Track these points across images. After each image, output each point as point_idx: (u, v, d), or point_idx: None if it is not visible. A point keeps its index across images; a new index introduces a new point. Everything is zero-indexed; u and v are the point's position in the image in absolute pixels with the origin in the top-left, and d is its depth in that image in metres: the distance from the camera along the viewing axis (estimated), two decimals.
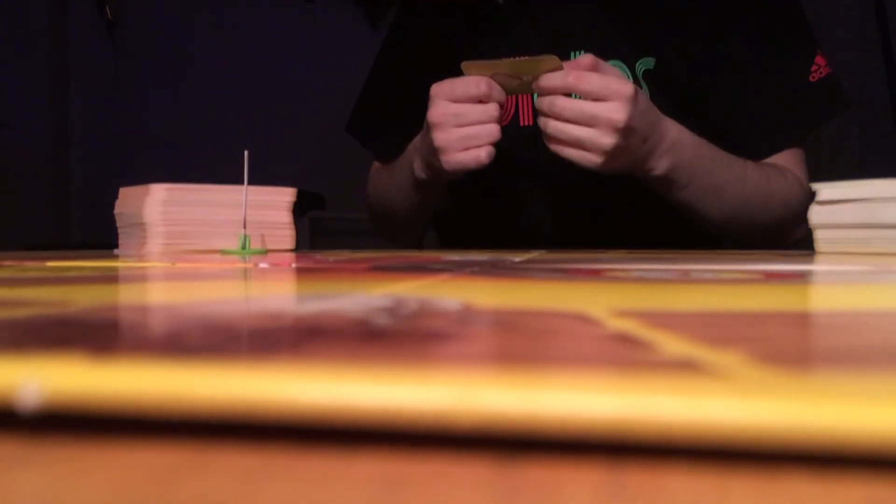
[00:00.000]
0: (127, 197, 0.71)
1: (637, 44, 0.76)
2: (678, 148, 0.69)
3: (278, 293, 0.25)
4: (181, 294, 0.24)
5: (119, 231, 0.72)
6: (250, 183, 0.66)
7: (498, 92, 0.67)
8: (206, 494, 0.08)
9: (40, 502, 0.08)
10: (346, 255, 0.54)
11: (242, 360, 0.10)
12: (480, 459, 0.08)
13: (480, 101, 0.67)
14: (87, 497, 0.08)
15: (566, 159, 0.65)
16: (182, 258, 0.50)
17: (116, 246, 0.73)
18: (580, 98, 0.64)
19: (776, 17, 0.77)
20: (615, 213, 0.79)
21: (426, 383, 0.09)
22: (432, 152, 0.69)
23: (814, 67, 0.76)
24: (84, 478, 0.08)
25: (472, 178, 0.70)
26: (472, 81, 0.66)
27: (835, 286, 0.29)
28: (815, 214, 0.59)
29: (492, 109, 0.66)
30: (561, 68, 0.64)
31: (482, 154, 0.67)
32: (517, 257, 0.48)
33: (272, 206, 0.70)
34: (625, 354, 0.11)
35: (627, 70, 0.76)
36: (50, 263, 0.41)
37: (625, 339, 0.12)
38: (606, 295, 0.22)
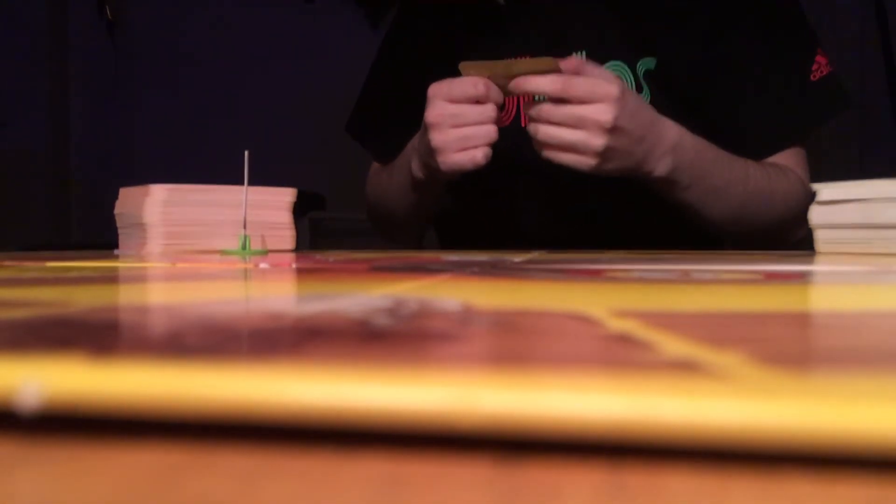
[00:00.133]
0: (127, 197, 0.71)
1: (637, 44, 0.76)
2: (679, 149, 0.69)
3: (278, 294, 0.25)
4: (181, 294, 0.24)
5: (119, 231, 0.72)
6: (250, 183, 0.66)
7: (495, 93, 0.66)
8: (206, 494, 0.08)
9: (40, 502, 0.08)
10: (346, 255, 0.54)
11: (242, 361, 0.10)
12: (480, 460, 0.08)
13: (478, 101, 0.67)
14: (87, 497, 0.08)
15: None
16: (182, 258, 0.50)
17: (116, 246, 0.73)
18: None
19: (776, 16, 0.77)
20: (615, 214, 0.79)
21: (426, 384, 0.09)
22: (429, 153, 0.69)
23: (814, 66, 0.76)
24: (84, 478, 0.08)
25: (473, 178, 0.70)
26: (470, 82, 0.66)
27: (835, 286, 0.29)
28: (816, 215, 0.59)
29: (489, 110, 0.66)
30: (559, 70, 0.64)
31: (478, 155, 0.67)
32: (517, 258, 0.48)
33: (272, 206, 0.70)
34: (625, 355, 0.11)
35: (628, 70, 0.76)
36: (50, 263, 0.41)
37: (625, 340, 0.12)
38: (606, 295, 0.22)
